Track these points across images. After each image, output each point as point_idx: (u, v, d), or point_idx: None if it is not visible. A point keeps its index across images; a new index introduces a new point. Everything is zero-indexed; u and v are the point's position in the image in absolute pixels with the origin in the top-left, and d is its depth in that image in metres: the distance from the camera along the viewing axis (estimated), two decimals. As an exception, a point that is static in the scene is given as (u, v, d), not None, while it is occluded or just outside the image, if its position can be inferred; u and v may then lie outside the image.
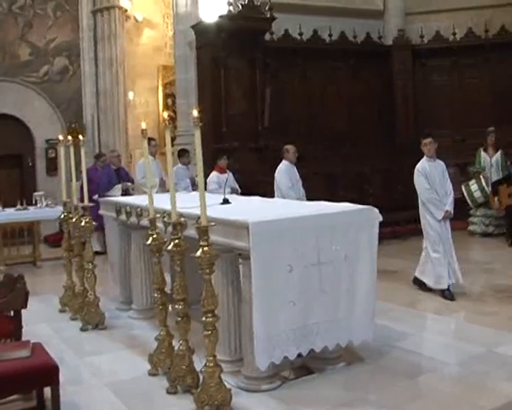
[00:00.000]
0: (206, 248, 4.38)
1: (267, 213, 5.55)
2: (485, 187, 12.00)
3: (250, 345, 4.84)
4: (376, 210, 5.47)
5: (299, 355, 5.07)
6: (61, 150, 7.97)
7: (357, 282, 5.27)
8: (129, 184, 11.52)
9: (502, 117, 13.89)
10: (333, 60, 14.38)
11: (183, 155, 11.19)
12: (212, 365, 4.49)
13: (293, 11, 13.69)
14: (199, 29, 12.82)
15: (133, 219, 6.96)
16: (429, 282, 7.91)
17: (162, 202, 5.83)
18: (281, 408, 4.71)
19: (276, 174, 9.73)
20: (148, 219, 5.49)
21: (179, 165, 11.17)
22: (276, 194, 9.62)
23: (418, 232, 12.26)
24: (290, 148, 9.79)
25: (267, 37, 13.25)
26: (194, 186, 10.76)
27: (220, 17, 12.17)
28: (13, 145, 14.86)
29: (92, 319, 7.01)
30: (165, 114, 5.68)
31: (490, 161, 12.39)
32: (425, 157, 8.06)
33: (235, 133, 12.25)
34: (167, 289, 5.56)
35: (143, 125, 5.49)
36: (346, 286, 5.21)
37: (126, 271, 7.81)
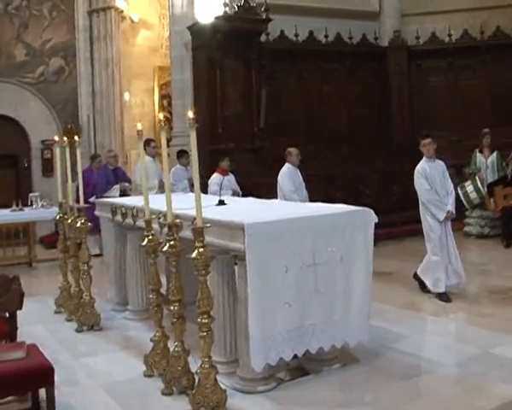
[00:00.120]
0: (201, 250, 4.38)
1: (263, 214, 5.55)
2: (481, 188, 12.01)
3: (245, 346, 4.83)
4: (372, 211, 5.47)
5: (295, 356, 5.07)
6: (57, 151, 7.97)
7: (352, 283, 5.27)
8: (126, 184, 11.50)
9: (498, 118, 13.92)
10: (329, 61, 14.40)
11: (181, 156, 11.17)
12: (207, 366, 4.49)
13: (289, 12, 13.70)
14: (195, 30, 12.81)
15: (129, 220, 6.96)
16: (429, 284, 7.90)
17: (158, 203, 5.83)
18: (276, 410, 4.72)
19: (279, 177, 9.68)
20: (144, 220, 5.48)
21: (178, 166, 11.16)
22: (278, 197, 9.56)
23: (414, 233, 12.33)
24: (293, 150, 9.75)
25: (263, 38, 13.25)
26: (193, 187, 10.74)
27: (216, 18, 12.17)
28: (8, 146, 14.84)
29: (88, 320, 7.00)
30: (161, 115, 5.65)
31: (485, 162, 12.40)
32: (424, 158, 8.01)
33: (231, 134, 12.24)
34: (163, 290, 5.56)
35: (139, 126, 5.48)
36: (342, 287, 5.21)
37: (122, 272, 7.81)
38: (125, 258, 7.58)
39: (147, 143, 11.11)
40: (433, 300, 7.72)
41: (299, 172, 9.78)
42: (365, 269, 5.35)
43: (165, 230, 4.93)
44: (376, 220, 5.47)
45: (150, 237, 5.37)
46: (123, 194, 10.98)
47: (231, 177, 10.73)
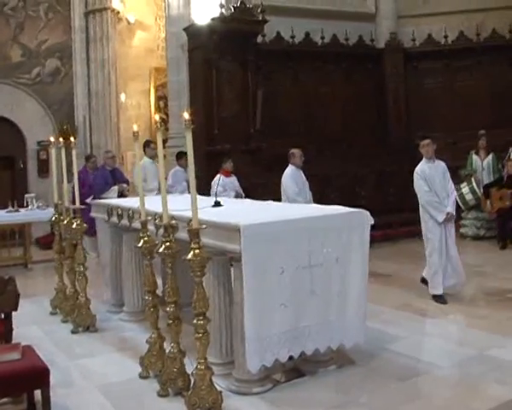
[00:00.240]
0: (197, 251, 4.37)
1: (258, 215, 5.55)
2: (477, 190, 12.03)
3: (241, 348, 4.83)
4: (368, 213, 5.48)
5: (291, 358, 5.07)
6: (53, 152, 7.96)
7: (348, 284, 5.27)
8: (124, 185, 11.48)
9: (494, 120, 13.95)
10: (325, 62, 14.40)
11: (181, 157, 11.14)
12: (203, 367, 4.48)
13: (286, 14, 13.70)
14: (191, 31, 12.81)
15: (124, 222, 6.96)
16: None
17: (154, 204, 5.83)
18: (272, 411, 4.72)
19: (283, 179, 9.65)
20: (140, 221, 5.48)
21: (177, 167, 11.16)
22: (282, 199, 9.54)
23: (410, 235, 12.40)
24: (296, 152, 9.73)
25: (259, 39, 13.24)
26: None
27: (212, 19, 12.16)
28: (4, 147, 14.82)
29: (83, 322, 6.99)
30: (157, 117, 5.68)
31: (481, 164, 12.44)
32: (424, 159, 7.97)
33: (228, 135, 12.23)
34: (159, 291, 5.56)
35: (135, 128, 5.48)
36: (338, 289, 5.22)
37: (118, 273, 7.80)
38: (121, 259, 7.58)
39: (146, 144, 11.10)
40: (429, 301, 7.73)
41: (302, 173, 9.76)
42: (361, 270, 5.36)
43: (161, 231, 4.93)
44: (372, 222, 5.48)
45: (146, 239, 5.37)
46: (121, 195, 10.96)
47: (234, 178, 10.72)
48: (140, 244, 5.38)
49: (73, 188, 7.39)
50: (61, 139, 7.74)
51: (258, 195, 10.51)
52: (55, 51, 15.50)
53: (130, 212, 6.71)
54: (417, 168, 7.99)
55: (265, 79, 13.34)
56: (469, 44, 14.75)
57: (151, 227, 5.51)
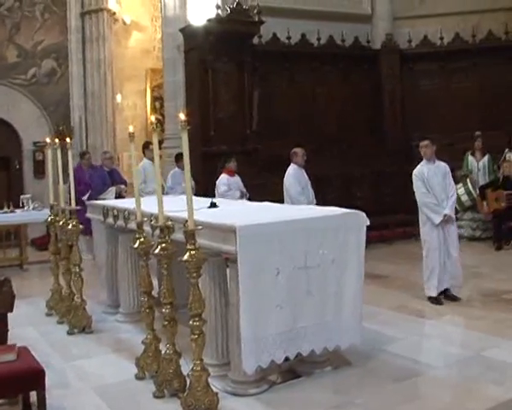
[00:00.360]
0: (193, 252, 4.37)
1: (254, 216, 5.55)
2: (472, 191, 12.06)
3: (237, 349, 4.83)
4: (363, 214, 5.48)
5: (287, 359, 5.07)
6: (49, 153, 7.95)
7: (344, 285, 5.27)
8: (122, 186, 11.46)
9: (489, 121, 13.97)
10: (321, 64, 14.39)
11: (180, 158, 11.10)
12: (199, 368, 4.48)
13: (282, 15, 13.69)
14: (187, 32, 12.80)
15: (120, 223, 6.95)
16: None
17: (150, 205, 5.82)
18: (268, 412, 4.71)
19: (285, 179, 9.63)
20: (136, 222, 5.47)
21: (176, 169, 11.14)
22: (285, 200, 9.52)
23: (407, 236, 12.43)
24: (299, 151, 9.73)
25: (255, 40, 13.24)
26: (192, 190, 10.70)
27: (208, 20, 12.15)
28: (0, 148, 14.77)
29: (79, 323, 6.98)
30: (153, 117, 5.67)
31: (477, 165, 12.48)
32: (424, 160, 7.95)
33: (224, 137, 12.23)
34: (154, 292, 5.55)
35: (131, 129, 5.48)
36: (334, 290, 5.22)
37: (113, 274, 7.80)
38: (117, 260, 7.57)
39: (146, 145, 11.09)
40: (425, 302, 7.74)
41: (304, 172, 9.75)
42: (357, 272, 5.36)
43: (157, 232, 4.93)
44: (368, 223, 5.48)
45: (142, 240, 5.37)
46: (118, 196, 10.93)
47: (238, 178, 10.71)
48: (136, 245, 5.38)
49: (69, 189, 7.36)
50: (56, 140, 7.74)
51: (255, 196, 10.51)
52: (50, 52, 15.45)
53: (126, 213, 6.70)
54: (416, 169, 7.97)
55: (262, 80, 13.34)
56: (465, 46, 14.77)
57: (147, 228, 5.51)
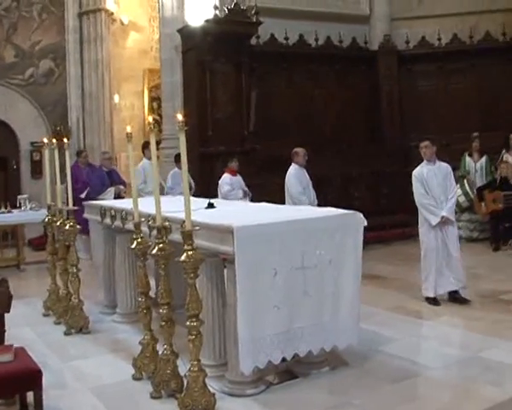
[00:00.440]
0: (190, 253, 4.37)
1: (252, 217, 5.55)
2: (469, 191, 12.07)
3: (234, 349, 4.83)
4: (361, 215, 5.48)
5: (284, 360, 5.07)
6: (46, 153, 7.94)
7: (341, 286, 5.27)
8: (121, 187, 11.43)
9: (487, 122, 13.99)
10: (319, 64, 14.38)
11: (180, 159, 11.09)
12: (196, 369, 4.48)
13: (279, 16, 13.69)
14: (185, 33, 12.79)
15: (118, 223, 6.94)
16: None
17: (147, 205, 5.82)
18: (265, 413, 4.71)
19: (286, 179, 9.62)
20: (133, 222, 5.47)
21: (176, 169, 11.12)
22: (286, 200, 9.50)
23: (404, 237, 12.43)
24: (300, 151, 9.72)
25: (253, 41, 13.23)
26: (191, 191, 10.70)
27: (206, 21, 12.15)
28: (-3, 148, 14.79)
29: (76, 323, 6.97)
30: (151, 118, 5.66)
31: (474, 166, 12.49)
32: (424, 161, 7.91)
33: (221, 137, 12.23)
34: (152, 293, 5.55)
35: (128, 129, 5.48)
36: (331, 290, 5.21)
37: (111, 274, 7.79)
38: (114, 261, 7.56)
39: (145, 145, 11.08)
40: (422, 303, 7.74)
41: (305, 172, 9.74)
42: (354, 272, 5.36)
43: (155, 233, 4.93)
44: (365, 224, 5.48)
45: (139, 240, 5.36)
46: (117, 196, 10.91)
47: (240, 177, 10.72)
48: (133, 246, 5.38)
49: (66, 189, 7.36)
50: (54, 140, 7.73)
51: (253, 196, 10.54)
52: (48, 52, 15.45)
53: (124, 213, 6.70)
54: (415, 170, 7.93)
55: (259, 81, 13.33)
56: (463, 47, 14.78)
57: (144, 229, 5.50)
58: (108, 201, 9.27)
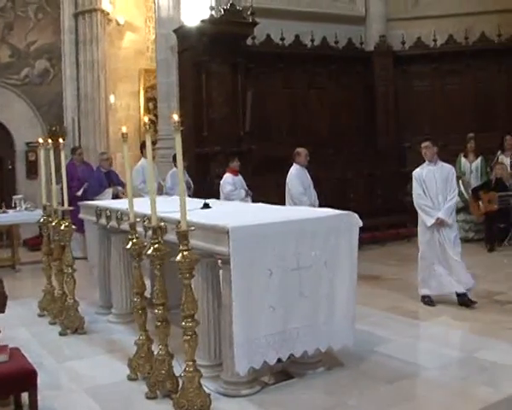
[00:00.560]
0: (185, 253, 4.37)
1: (247, 218, 5.55)
2: (464, 192, 12.10)
3: (230, 350, 4.83)
4: (356, 215, 5.49)
5: (279, 360, 5.07)
6: (41, 153, 7.92)
7: (337, 287, 5.28)
8: (119, 188, 11.40)
9: (482, 123, 14.02)
10: (315, 65, 14.39)
11: None
12: (191, 370, 4.48)
13: (276, 16, 13.69)
14: (181, 33, 12.79)
15: (113, 223, 6.94)
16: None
17: (143, 206, 5.81)
18: (260, 413, 4.71)
19: (288, 179, 9.60)
20: (129, 223, 5.47)
21: (174, 169, 11.10)
22: (286, 200, 9.49)
23: (398, 238, 12.46)
24: (302, 151, 9.71)
25: (249, 41, 13.23)
26: (190, 191, 10.70)
27: (202, 21, 12.14)
28: (-8, 148, 14.76)
29: (71, 324, 6.96)
30: (146, 118, 5.64)
31: (470, 166, 12.51)
32: (426, 162, 7.85)
33: (217, 137, 12.23)
34: (147, 293, 5.54)
35: (124, 129, 5.47)
36: (326, 291, 5.22)
37: (106, 275, 7.78)
38: (110, 261, 7.56)
39: (144, 145, 11.04)
40: (417, 303, 7.75)
41: (307, 172, 9.74)
42: (350, 273, 5.37)
43: (150, 233, 4.93)
44: (361, 224, 5.49)
45: (134, 241, 5.36)
46: (115, 197, 10.88)
47: (241, 177, 10.71)
48: (129, 246, 5.38)
49: (62, 189, 7.34)
50: (49, 141, 7.72)
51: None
52: (44, 52, 15.42)
53: (119, 213, 6.69)
54: (415, 170, 7.92)
55: (255, 81, 13.32)
56: (458, 48, 14.81)
57: (140, 229, 5.50)
58: (104, 201, 9.25)
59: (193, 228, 4.56)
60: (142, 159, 11.07)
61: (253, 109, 12.84)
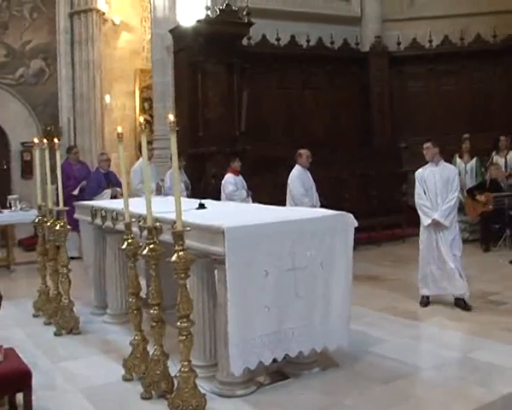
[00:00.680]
0: (181, 253, 4.37)
1: (242, 218, 5.55)
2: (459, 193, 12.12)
3: (225, 350, 4.83)
4: (352, 216, 5.48)
5: (274, 360, 5.07)
6: (37, 153, 7.91)
7: (332, 287, 5.28)
8: (118, 189, 11.34)
9: (477, 124, 14.06)
10: (310, 65, 14.42)
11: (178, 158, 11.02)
12: (186, 370, 4.47)
13: (271, 17, 13.72)
14: (176, 33, 12.79)
15: (108, 223, 6.93)
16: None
17: (138, 206, 5.81)
18: (255, 414, 4.71)
19: (289, 180, 9.60)
20: (124, 223, 5.46)
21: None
22: (288, 201, 9.49)
23: (394, 238, 12.47)
24: (304, 152, 9.71)
25: (245, 42, 13.25)
26: (188, 191, 10.68)
27: (198, 21, 12.14)
28: (-13, 148, 14.73)
29: (66, 324, 6.95)
30: (142, 118, 5.64)
31: (464, 167, 12.53)
32: (429, 162, 7.85)
33: (212, 138, 12.23)
34: (142, 293, 5.54)
35: (119, 129, 5.46)
36: (322, 291, 5.22)
37: (101, 275, 7.77)
38: (105, 261, 7.55)
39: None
40: (413, 304, 7.76)
41: (309, 174, 9.73)
42: (345, 273, 5.37)
43: (145, 233, 4.92)
44: (356, 225, 5.49)
45: (130, 241, 5.35)
46: (114, 199, 10.85)
47: (241, 177, 10.71)
48: (124, 246, 5.37)
49: (57, 189, 7.33)
50: (44, 141, 7.70)
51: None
52: (39, 52, 15.38)
53: (114, 214, 6.69)
54: (418, 170, 7.92)
55: (251, 82, 13.33)
56: (454, 49, 14.86)
57: (135, 229, 5.49)
58: (99, 201, 9.23)
59: (188, 228, 4.56)
60: (141, 159, 11.04)
61: (248, 109, 12.84)
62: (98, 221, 7.30)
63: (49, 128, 15.04)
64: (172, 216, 4.61)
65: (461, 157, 12.63)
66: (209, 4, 12.43)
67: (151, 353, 5.07)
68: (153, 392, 4.94)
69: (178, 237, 4.38)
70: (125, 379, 5.38)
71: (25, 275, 10.78)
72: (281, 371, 5.38)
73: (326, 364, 5.54)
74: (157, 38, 13.68)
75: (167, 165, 11.11)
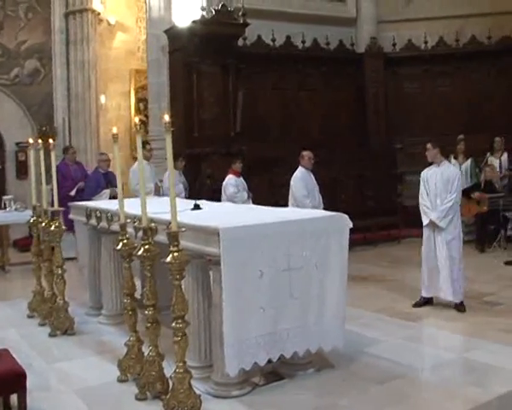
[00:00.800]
0: (176, 254, 4.36)
1: (238, 219, 5.54)
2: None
3: (220, 351, 4.82)
4: (347, 217, 5.48)
5: (269, 361, 5.06)
6: (31, 154, 7.89)
7: (327, 288, 5.27)
8: (117, 190, 11.31)
9: (472, 125, 14.09)
10: (306, 66, 14.44)
11: (176, 159, 11.02)
12: (181, 371, 4.46)
13: (267, 17, 13.73)
14: (172, 33, 12.78)
15: (103, 224, 6.92)
16: None
17: (134, 206, 5.79)
18: (251, 414, 4.70)
19: (292, 181, 9.59)
20: (119, 223, 5.45)
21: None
22: (290, 202, 9.48)
23: (389, 239, 12.48)
24: (306, 154, 9.69)
25: (240, 42, 13.26)
26: (186, 191, 10.66)
27: (193, 22, 12.15)
28: (-18, 148, 14.70)
29: (61, 325, 6.92)
30: (137, 119, 5.63)
31: (459, 168, 12.53)
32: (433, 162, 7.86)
33: (208, 138, 12.23)
34: (137, 294, 5.53)
35: (114, 130, 5.45)
36: (317, 292, 5.21)
37: (96, 276, 7.75)
38: (100, 262, 7.53)
39: (142, 145, 10.95)
40: (408, 305, 7.77)
41: (312, 175, 9.73)
42: (340, 274, 5.36)
43: (140, 234, 4.91)
44: (351, 226, 5.48)
45: (125, 241, 5.34)
46: (113, 199, 10.82)
47: (242, 179, 10.69)
48: (119, 247, 5.35)
49: (52, 190, 7.30)
50: (39, 141, 7.68)
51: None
52: (34, 52, 15.37)
53: (109, 214, 6.67)
54: (423, 170, 7.94)
55: (246, 82, 13.34)
56: (449, 50, 14.90)
57: (130, 230, 5.48)
58: (94, 202, 9.21)
59: (183, 229, 4.55)
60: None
61: (243, 110, 12.85)
62: (93, 222, 7.29)
63: (44, 128, 15.03)
64: (168, 217, 4.60)
65: (456, 158, 12.64)
66: (204, 5, 12.43)
67: (146, 354, 5.05)
68: (148, 393, 4.93)
69: (173, 237, 4.36)
70: (120, 380, 5.37)
71: (19, 276, 10.76)
72: (276, 372, 5.38)
73: (321, 364, 5.54)
74: (152, 38, 13.68)
75: (164, 165, 11.09)
